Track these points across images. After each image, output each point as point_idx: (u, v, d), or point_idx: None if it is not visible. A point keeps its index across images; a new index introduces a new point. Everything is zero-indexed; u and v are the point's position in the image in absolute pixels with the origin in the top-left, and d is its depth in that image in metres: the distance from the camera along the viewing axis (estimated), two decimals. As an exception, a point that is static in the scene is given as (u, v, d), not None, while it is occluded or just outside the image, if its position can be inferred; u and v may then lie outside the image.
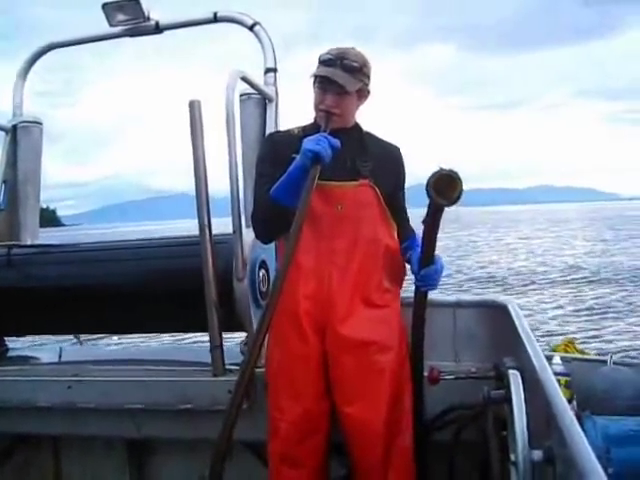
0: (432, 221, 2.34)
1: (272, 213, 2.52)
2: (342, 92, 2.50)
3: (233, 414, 2.20)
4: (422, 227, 2.38)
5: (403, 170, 2.75)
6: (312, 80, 2.56)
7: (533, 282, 19.80)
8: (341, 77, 2.47)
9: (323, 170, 2.39)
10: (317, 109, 2.59)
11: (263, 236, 2.71)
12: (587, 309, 14.87)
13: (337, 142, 2.40)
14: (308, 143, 2.38)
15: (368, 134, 2.70)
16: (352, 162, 2.56)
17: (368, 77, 2.58)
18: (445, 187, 2.15)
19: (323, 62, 2.53)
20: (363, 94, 2.61)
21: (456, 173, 2.15)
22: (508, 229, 58.99)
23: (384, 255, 2.59)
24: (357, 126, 2.69)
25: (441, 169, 2.18)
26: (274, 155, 2.60)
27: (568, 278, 20.55)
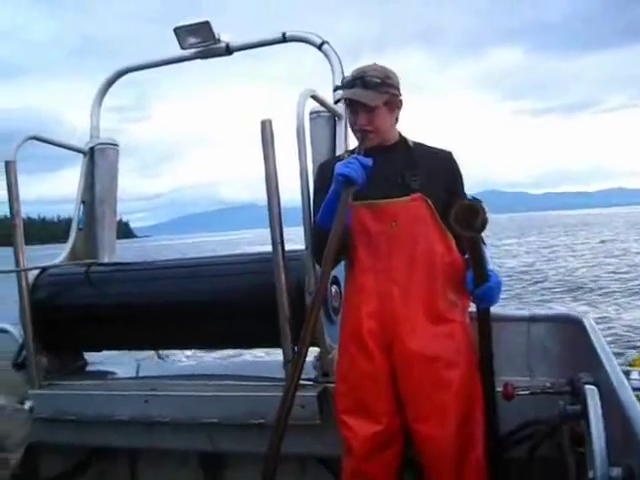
0: (471, 245, 2.35)
1: (318, 238, 2.56)
2: (369, 109, 2.53)
3: (281, 425, 2.19)
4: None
5: (458, 175, 2.71)
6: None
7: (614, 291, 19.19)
8: (362, 95, 2.51)
9: (369, 189, 2.44)
10: (352, 130, 2.65)
11: (315, 257, 2.75)
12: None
13: (369, 161, 2.42)
14: (339, 167, 2.42)
15: (418, 145, 2.70)
16: (402, 177, 2.57)
17: (395, 87, 2.59)
18: (469, 216, 2.16)
19: (345, 84, 2.61)
20: (395, 105, 2.62)
21: (477, 201, 2.16)
22: (587, 232, 57.41)
23: (444, 269, 2.57)
24: (402, 139, 2.70)
25: (463, 200, 2.21)
26: (323, 184, 2.63)
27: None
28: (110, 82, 3.98)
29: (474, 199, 2.21)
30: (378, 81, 2.53)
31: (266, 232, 2.87)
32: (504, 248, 39.79)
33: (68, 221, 4.02)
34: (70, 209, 3.96)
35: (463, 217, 2.18)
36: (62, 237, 3.93)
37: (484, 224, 2.17)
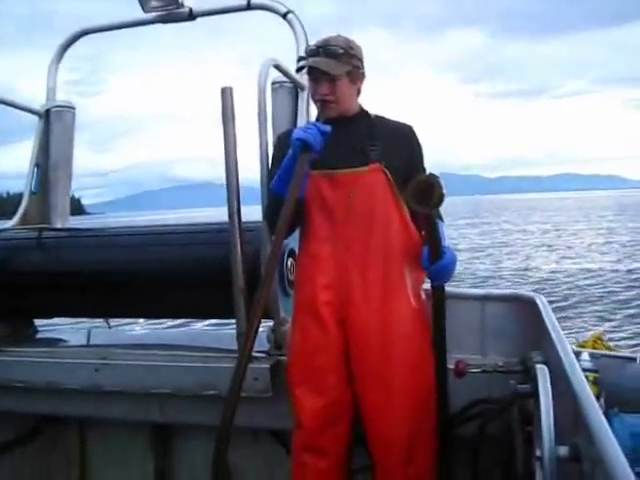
0: (426, 221, 2.34)
1: (274, 205, 2.52)
2: (332, 78, 2.51)
3: (233, 397, 2.19)
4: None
5: (418, 149, 2.69)
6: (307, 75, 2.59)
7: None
8: (325, 64, 2.49)
9: (327, 158, 2.43)
10: (314, 100, 2.62)
11: (270, 226, 2.71)
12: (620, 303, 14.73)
13: (327, 128, 2.42)
14: (297, 132, 2.41)
15: (378, 118, 2.68)
16: (361, 147, 2.55)
17: (358, 59, 2.58)
18: (425, 192, 2.14)
19: (308, 53, 2.57)
20: (357, 77, 2.60)
21: (434, 177, 2.14)
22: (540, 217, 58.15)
23: (400, 241, 2.55)
24: (363, 111, 2.68)
25: (419, 175, 2.20)
26: (281, 152, 2.61)
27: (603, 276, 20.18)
28: (67, 44, 3.88)
29: (431, 174, 2.19)
30: (341, 51, 2.51)
31: (224, 211, 2.83)
32: (461, 231, 40.23)
33: (19, 196, 3.92)
34: (21, 185, 3.86)
35: (419, 192, 2.15)
36: (13, 213, 3.84)
37: (440, 200, 2.15)
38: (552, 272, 20.16)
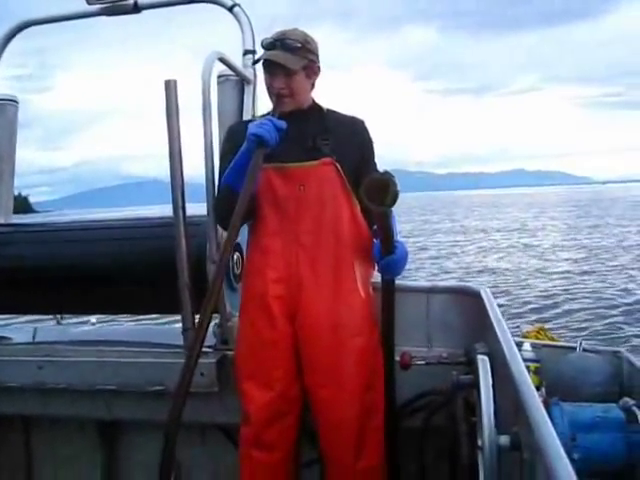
0: (380, 218, 2.37)
1: (225, 199, 2.52)
2: (288, 72, 2.51)
3: (182, 393, 2.18)
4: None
5: (369, 143, 2.71)
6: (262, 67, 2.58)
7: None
8: (282, 57, 2.49)
9: (279, 151, 2.43)
10: (269, 93, 2.61)
11: (220, 220, 2.71)
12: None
13: (283, 123, 2.41)
14: (252, 127, 2.40)
15: (330, 111, 2.69)
16: (313, 141, 2.56)
17: (314, 53, 2.58)
18: (380, 190, 2.17)
19: (265, 46, 2.55)
20: (312, 71, 2.60)
21: (388, 175, 2.17)
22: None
23: (350, 236, 2.57)
24: (316, 105, 2.68)
25: (374, 173, 2.24)
26: (233, 146, 2.59)
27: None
28: (10, 36, 3.77)
29: (386, 172, 2.20)
30: (299, 45, 2.51)
31: (169, 208, 2.82)
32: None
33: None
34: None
35: (374, 191, 2.17)
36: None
37: (395, 199, 2.17)
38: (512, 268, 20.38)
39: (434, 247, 27.87)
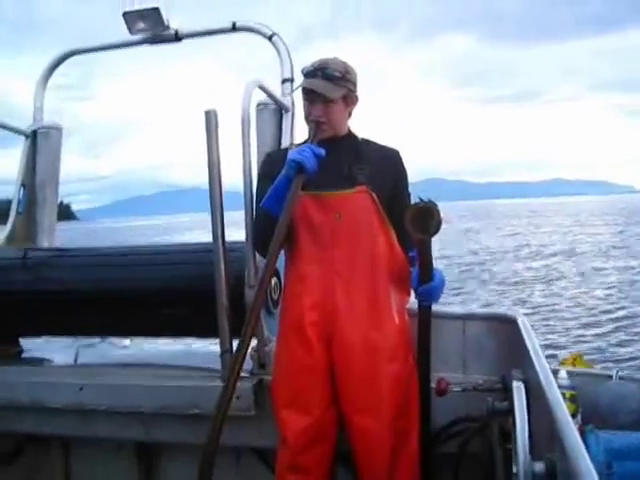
0: (421, 246, 2.39)
1: (263, 224, 2.57)
2: (327, 101, 2.55)
3: (220, 417, 2.20)
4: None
5: (403, 173, 2.74)
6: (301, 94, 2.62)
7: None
8: (322, 86, 2.52)
9: (314, 179, 2.45)
10: (307, 121, 2.65)
11: (259, 246, 2.75)
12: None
13: (322, 151, 2.45)
14: (292, 154, 2.45)
15: (365, 141, 2.73)
16: (348, 169, 2.59)
17: (353, 83, 2.62)
18: (424, 218, 2.21)
19: (306, 74, 2.59)
20: (351, 101, 2.64)
21: (432, 204, 2.20)
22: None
23: (386, 262, 2.60)
24: (351, 134, 2.72)
25: (417, 202, 2.25)
26: (270, 173, 2.64)
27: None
28: (55, 64, 3.91)
29: (430, 201, 2.23)
30: (339, 75, 2.55)
31: (207, 217, 2.85)
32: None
33: (5, 202, 3.94)
34: (6, 191, 3.89)
35: (418, 219, 2.21)
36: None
37: (438, 227, 2.21)
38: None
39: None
